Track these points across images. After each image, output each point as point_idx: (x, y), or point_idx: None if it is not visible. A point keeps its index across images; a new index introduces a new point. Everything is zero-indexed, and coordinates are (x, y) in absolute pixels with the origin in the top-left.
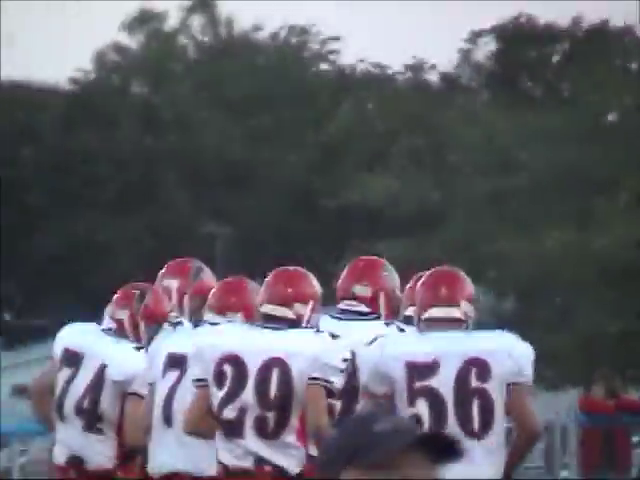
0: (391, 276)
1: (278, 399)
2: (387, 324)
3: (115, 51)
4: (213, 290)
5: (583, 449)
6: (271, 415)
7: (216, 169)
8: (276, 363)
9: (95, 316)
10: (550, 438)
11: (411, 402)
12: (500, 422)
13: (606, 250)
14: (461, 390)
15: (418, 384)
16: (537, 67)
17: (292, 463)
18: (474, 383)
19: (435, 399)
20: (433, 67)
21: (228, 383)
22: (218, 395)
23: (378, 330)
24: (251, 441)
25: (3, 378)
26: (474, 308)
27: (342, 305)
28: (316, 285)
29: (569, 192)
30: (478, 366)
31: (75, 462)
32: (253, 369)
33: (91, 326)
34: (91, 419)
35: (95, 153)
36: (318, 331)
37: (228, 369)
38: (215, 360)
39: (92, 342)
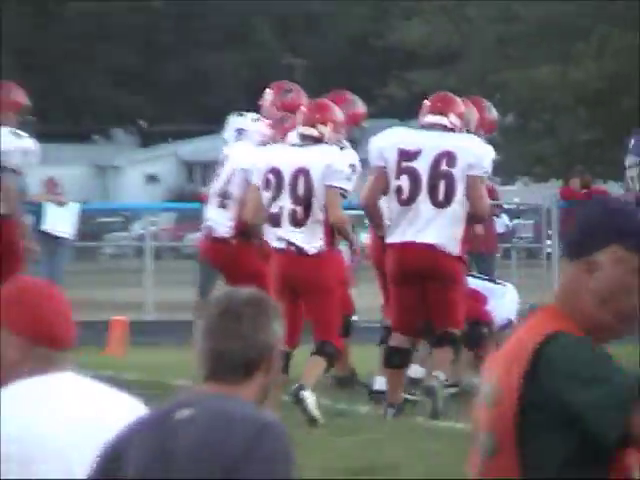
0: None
1: (303, 197)
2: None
3: None
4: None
5: (562, 226)
6: (299, 209)
7: (296, 16)
8: (302, 172)
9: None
10: (538, 217)
11: (397, 177)
12: (460, 199)
13: (581, 81)
14: (433, 171)
15: (404, 164)
16: None
17: (312, 246)
18: (443, 167)
19: (414, 176)
20: None
21: (272, 188)
22: (266, 196)
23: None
24: (285, 229)
25: (138, 170)
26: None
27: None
28: (337, 112)
29: (555, 37)
30: (448, 156)
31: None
32: (287, 177)
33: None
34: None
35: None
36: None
37: (271, 177)
38: (262, 172)
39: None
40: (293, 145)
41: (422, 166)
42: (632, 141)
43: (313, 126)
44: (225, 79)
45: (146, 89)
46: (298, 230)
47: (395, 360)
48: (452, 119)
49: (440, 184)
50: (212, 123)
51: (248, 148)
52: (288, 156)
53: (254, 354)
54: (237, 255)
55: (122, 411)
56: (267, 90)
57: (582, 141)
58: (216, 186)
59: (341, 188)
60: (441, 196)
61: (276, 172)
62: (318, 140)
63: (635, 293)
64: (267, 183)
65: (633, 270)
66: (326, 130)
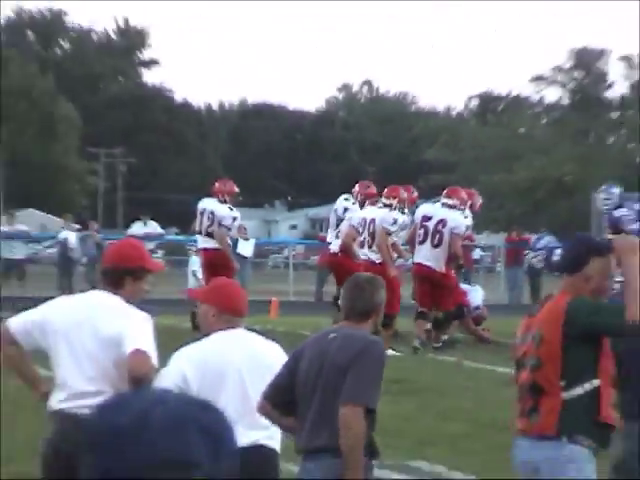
0: None
1: (373, 232)
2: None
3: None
4: None
5: (506, 257)
6: (369, 239)
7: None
8: (373, 220)
9: None
10: (494, 251)
11: (419, 229)
12: (445, 244)
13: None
14: (434, 229)
15: (423, 223)
16: None
17: (376, 258)
18: (439, 227)
19: (426, 230)
20: None
21: (361, 228)
22: (357, 232)
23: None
24: (365, 250)
25: (286, 222)
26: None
27: None
28: (403, 193)
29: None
30: (442, 222)
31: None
32: (367, 222)
33: None
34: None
35: None
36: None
37: (361, 223)
38: (357, 220)
39: None
40: (376, 207)
41: (430, 225)
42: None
43: (387, 198)
44: (331, 184)
45: (292, 180)
46: (369, 251)
47: (421, 317)
48: (454, 201)
49: (436, 236)
50: (326, 198)
51: (356, 211)
52: (369, 213)
53: (369, 308)
54: (341, 262)
55: (273, 350)
56: (356, 185)
57: (518, 213)
58: (333, 228)
59: (386, 228)
60: (436, 242)
61: (363, 220)
62: (388, 205)
63: (608, 276)
64: (359, 226)
65: (607, 262)
66: (394, 201)
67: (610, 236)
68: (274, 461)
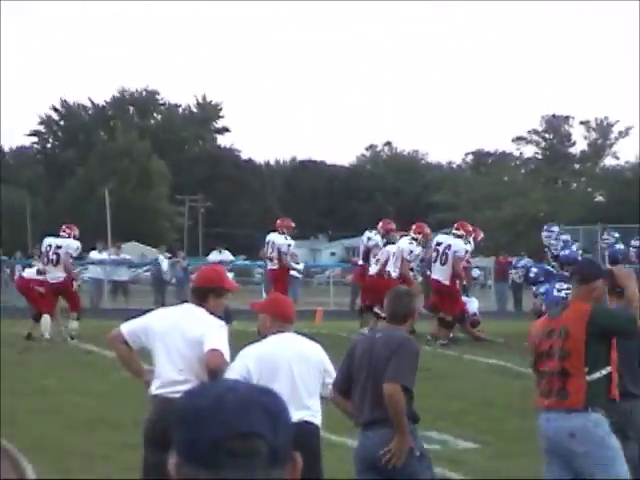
0: None
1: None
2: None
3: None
4: None
5: (495, 275)
6: (398, 264)
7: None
8: (399, 250)
9: None
10: (486, 271)
11: (433, 252)
12: (449, 264)
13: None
14: (442, 252)
15: (435, 247)
16: None
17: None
18: (446, 251)
19: (438, 252)
20: None
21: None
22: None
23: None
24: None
25: (327, 250)
26: None
27: None
28: (426, 229)
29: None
30: (449, 247)
31: None
32: (397, 251)
33: None
34: None
35: None
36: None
37: (391, 253)
38: (388, 251)
39: None
40: (406, 239)
41: (440, 249)
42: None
43: (415, 233)
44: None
45: (331, 218)
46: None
47: (440, 322)
48: (461, 232)
49: (443, 257)
50: (358, 231)
51: (378, 241)
52: (401, 243)
53: (407, 313)
54: (376, 281)
55: (315, 349)
56: (380, 222)
57: (504, 241)
58: (363, 255)
59: (407, 259)
60: (442, 261)
61: (392, 251)
62: (414, 239)
63: (604, 291)
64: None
65: (605, 282)
66: (419, 236)
67: (610, 267)
68: (317, 433)
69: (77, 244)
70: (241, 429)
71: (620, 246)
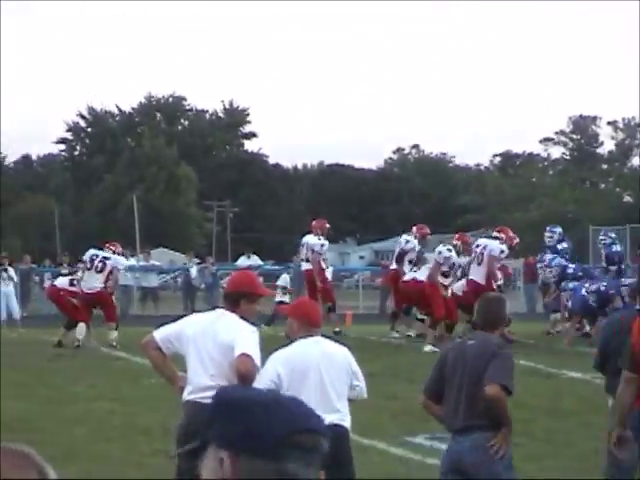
0: None
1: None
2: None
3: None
4: None
5: (524, 276)
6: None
7: None
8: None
9: None
10: (516, 271)
11: (474, 253)
12: (484, 264)
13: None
14: (480, 252)
15: (474, 249)
16: None
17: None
18: (482, 251)
19: (476, 254)
20: None
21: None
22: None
23: None
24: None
25: (356, 254)
26: None
27: None
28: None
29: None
30: (485, 247)
31: None
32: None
33: None
34: None
35: None
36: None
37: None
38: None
39: None
40: (445, 248)
41: (479, 250)
42: None
43: (456, 240)
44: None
45: (359, 221)
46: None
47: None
48: (500, 235)
49: (479, 257)
50: (386, 234)
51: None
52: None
53: (498, 320)
54: (415, 286)
55: (342, 351)
56: (414, 227)
57: (532, 242)
58: (397, 258)
59: (438, 260)
60: (479, 261)
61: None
62: (454, 246)
63: None
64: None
65: None
66: (459, 242)
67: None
68: (347, 436)
69: (125, 262)
70: (309, 425)
71: (617, 247)
